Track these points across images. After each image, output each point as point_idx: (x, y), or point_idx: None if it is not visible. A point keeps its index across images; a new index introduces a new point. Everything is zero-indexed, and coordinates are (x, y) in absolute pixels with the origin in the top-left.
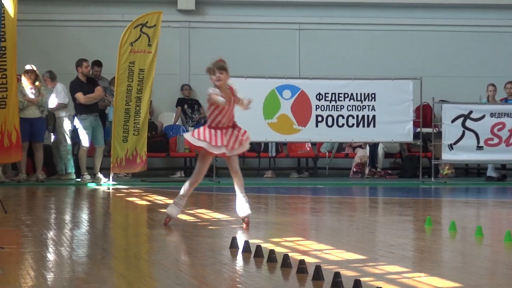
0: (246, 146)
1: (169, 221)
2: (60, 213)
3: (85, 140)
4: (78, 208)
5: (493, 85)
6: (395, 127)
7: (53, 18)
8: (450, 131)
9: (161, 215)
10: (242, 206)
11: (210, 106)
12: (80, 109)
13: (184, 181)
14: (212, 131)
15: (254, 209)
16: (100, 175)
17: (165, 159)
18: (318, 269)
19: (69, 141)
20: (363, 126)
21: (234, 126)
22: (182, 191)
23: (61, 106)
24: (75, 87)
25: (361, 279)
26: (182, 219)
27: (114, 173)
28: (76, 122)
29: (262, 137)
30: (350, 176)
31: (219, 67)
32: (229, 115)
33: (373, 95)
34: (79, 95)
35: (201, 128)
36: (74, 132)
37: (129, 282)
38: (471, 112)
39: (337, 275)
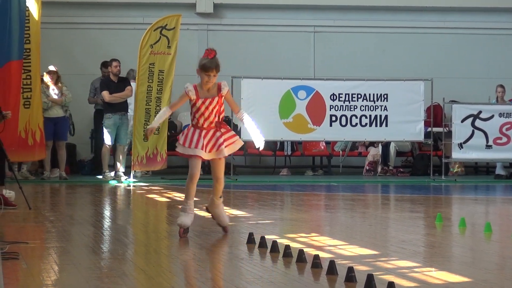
0: (224, 153)
1: (183, 231)
2: (82, 209)
3: (107, 138)
4: (100, 205)
5: (501, 86)
6: (406, 127)
7: (75, 21)
8: (460, 130)
9: (179, 212)
10: (224, 214)
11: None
12: (106, 108)
13: (203, 179)
14: (196, 131)
15: (271, 206)
16: (121, 173)
17: (183, 157)
18: (332, 264)
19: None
20: (376, 125)
21: (218, 127)
22: (186, 195)
23: None
24: (103, 85)
25: (373, 273)
26: (200, 215)
27: (134, 171)
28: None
29: (278, 136)
30: (363, 174)
31: (218, 69)
32: (209, 116)
33: (385, 96)
34: (105, 93)
35: (187, 132)
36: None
37: (149, 276)
38: (480, 112)
39: (350, 269)
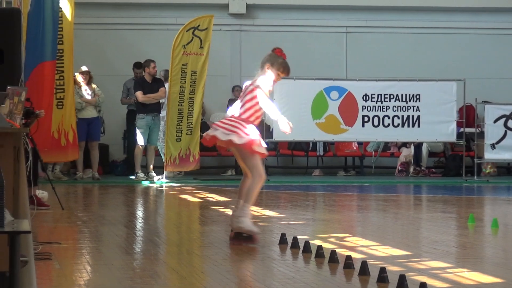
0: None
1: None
2: (115, 210)
3: (140, 139)
4: (132, 205)
5: None
6: (439, 127)
7: (108, 22)
8: (492, 131)
9: (212, 212)
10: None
11: (256, 102)
12: (139, 108)
13: (236, 179)
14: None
15: (303, 206)
16: (153, 173)
17: (216, 158)
18: (364, 264)
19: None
20: (408, 126)
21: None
22: (246, 199)
23: None
24: (137, 86)
25: (405, 274)
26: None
27: (167, 171)
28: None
29: (310, 136)
30: (395, 175)
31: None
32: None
33: (417, 96)
34: (138, 94)
35: (255, 131)
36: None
37: (181, 276)
38: None
39: (382, 270)
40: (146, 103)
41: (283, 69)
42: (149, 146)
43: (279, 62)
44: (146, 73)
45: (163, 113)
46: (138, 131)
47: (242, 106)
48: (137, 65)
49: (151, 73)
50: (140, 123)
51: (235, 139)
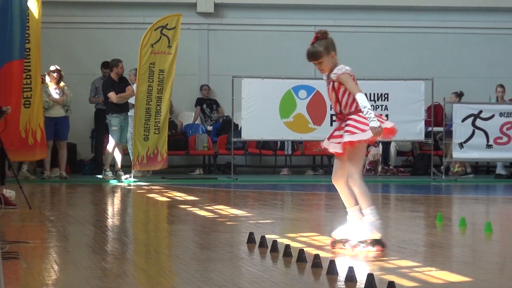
0: (330, 147)
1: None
2: (82, 209)
3: (113, 137)
4: (100, 204)
5: (501, 85)
6: (407, 126)
7: (77, 21)
8: (460, 130)
9: (180, 211)
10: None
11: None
12: (113, 108)
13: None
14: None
15: (271, 205)
16: (121, 172)
17: (184, 156)
18: (332, 263)
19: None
20: None
21: (343, 119)
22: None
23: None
24: (108, 86)
25: (373, 273)
26: (200, 215)
27: (134, 170)
28: (107, 119)
29: (278, 135)
30: (363, 174)
31: (315, 57)
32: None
33: (386, 95)
34: (112, 95)
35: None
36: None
37: (149, 276)
38: (481, 111)
39: (351, 269)
40: (119, 103)
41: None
42: (118, 144)
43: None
44: (113, 72)
45: (131, 112)
46: (112, 130)
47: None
48: (105, 65)
49: (119, 73)
50: (114, 121)
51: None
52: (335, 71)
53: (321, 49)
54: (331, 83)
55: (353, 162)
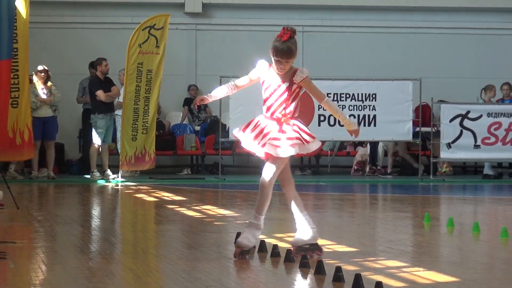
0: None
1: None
2: (70, 209)
3: (97, 139)
4: (87, 205)
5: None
6: (395, 127)
7: (64, 21)
8: (448, 130)
9: (168, 211)
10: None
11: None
12: (99, 108)
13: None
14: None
15: None
16: (108, 172)
17: (172, 157)
18: (320, 263)
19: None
20: (364, 125)
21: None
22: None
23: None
24: (95, 85)
25: (361, 273)
26: (188, 215)
27: (122, 170)
28: (92, 119)
29: None
30: (351, 174)
31: (290, 55)
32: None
33: (373, 96)
34: (100, 93)
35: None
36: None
37: (137, 275)
38: (468, 112)
39: (338, 269)
40: (106, 102)
41: (273, 49)
42: (104, 145)
43: (272, 44)
44: (98, 71)
45: (119, 111)
46: (96, 131)
47: None
48: (93, 65)
49: (103, 71)
50: (100, 123)
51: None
52: (299, 73)
53: (295, 49)
54: (287, 83)
55: (278, 164)
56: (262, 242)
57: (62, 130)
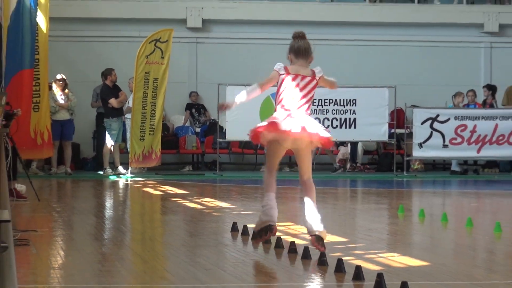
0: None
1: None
2: (85, 201)
3: (111, 139)
4: (101, 197)
5: (461, 93)
6: (373, 128)
7: (80, 35)
8: (420, 132)
9: (172, 203)
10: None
11: None
12: (112, 113)
13: (192, 174)
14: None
15: (252, 198)
16: (120, 168)
17: (175, 155)
18: (306, 250)
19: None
20: (345, 127)
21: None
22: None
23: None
24: (107, 93)
25: (343, 258)
26: (190, 207)
27: (131, 167)
28: (106, 123)
29: None
30: (334, 171)
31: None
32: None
33: (354, 101)
34: (113, 101)
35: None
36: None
37: (144, 260)
38: (438, 115)
39: (322, 255)
40: (116, 108)
41: (295, 50)
42: (115, 144)
43: (291, 48)
44: (108, 80)
45: (128, 115)
46: (109, 133)
47: None
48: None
49: (113, 80)
50: (114, 126)
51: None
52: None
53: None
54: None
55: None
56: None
57: (78, 131)
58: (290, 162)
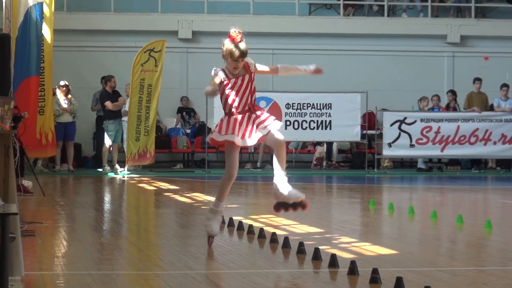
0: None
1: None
2: (86, 196)
3: (109, 140)
4: (100, 192)
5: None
6: (346, 130)
7: (81, 45)
8: (389, 133)
9: (164, 197)
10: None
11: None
12: (109, 115)
13: (183, 171)
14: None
15: (237, 193)
16: (117, 166)
17: (168, 154)
18: (286, 239)
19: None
20: (322, 128)
21: (251, 110)
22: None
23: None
24: (104, 97)
25: (319, 247)
26: (181, 201)
27: (128, 165)
28: (104, 124)
29: None
30: (311, 168)
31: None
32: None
33: (329, 105)
34: (108, 103)
35: (220, 122)
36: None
37: (139, 249)
38: (405, 118)
39: (301, 244)
40: (114, 110)
41: (229, 53)
42: (114, 144)
43: (225, 49)
44: (108, 86)
45: (125, 118)
46: (107, 134)
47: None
48: (105, 79)
49: (112, 86)
50: (111, 127)
51: None
52: (250, 63)
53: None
54: (250, 75)
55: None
56: (240, 223)
57: (79, 133)
58: (272, 160)
